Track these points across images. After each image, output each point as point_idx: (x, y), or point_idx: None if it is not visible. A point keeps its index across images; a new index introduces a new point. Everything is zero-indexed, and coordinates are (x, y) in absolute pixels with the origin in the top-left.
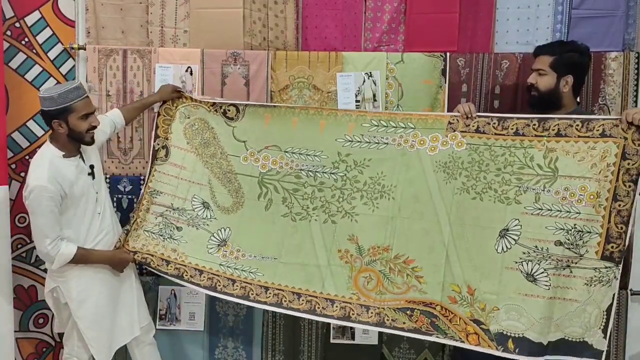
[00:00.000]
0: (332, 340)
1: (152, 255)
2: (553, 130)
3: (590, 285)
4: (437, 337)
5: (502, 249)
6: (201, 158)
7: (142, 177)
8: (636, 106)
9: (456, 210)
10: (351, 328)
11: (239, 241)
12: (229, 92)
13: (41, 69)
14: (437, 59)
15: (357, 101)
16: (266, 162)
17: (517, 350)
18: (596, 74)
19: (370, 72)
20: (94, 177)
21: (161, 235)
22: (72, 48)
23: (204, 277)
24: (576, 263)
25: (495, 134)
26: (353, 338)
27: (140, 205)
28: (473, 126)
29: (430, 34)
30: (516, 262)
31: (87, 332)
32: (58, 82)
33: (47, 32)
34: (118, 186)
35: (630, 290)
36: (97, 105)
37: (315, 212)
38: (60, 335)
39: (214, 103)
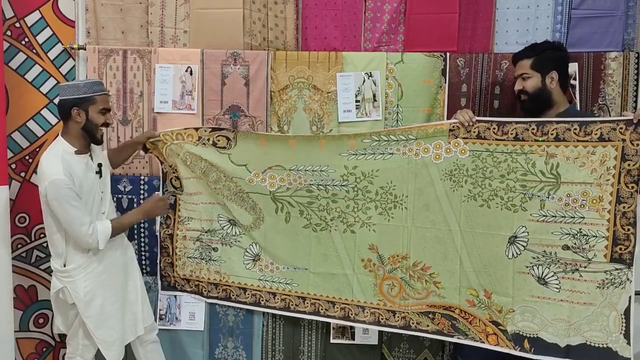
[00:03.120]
0: (332, 340)
1: (201, 282)
2: (552, 134)
3: (603, 287)
4: (458, 338)
5: (513, 254)
6: (208, 185)
7: (142, 177)
8: (636, 106)
9: (465, 217)
10: (351, 328)
11: (270, 254)
12: (229, 92)
13: (41, 69)
14: (437, 59)
15: (357, 101)
16: (273, 181)
17: (532, 350)
18: (596, 74)
19: (370, 72)
20: (101, 176)
21: (203, 259)
22: (72, 48)
23: (248, 294)
24: (585, 267)
25: (496, 139)
26: (353, 338)
27: (175, 236)
28: (474, 132)
29: (430, 34)
30: (527, 267)
31: (97, 331)
32: (58, 82)
33: (47, 32)
34: (118, 186)
35: None
36: None
37: (333, 222)
38: (60, 335)
39: (199, 138)
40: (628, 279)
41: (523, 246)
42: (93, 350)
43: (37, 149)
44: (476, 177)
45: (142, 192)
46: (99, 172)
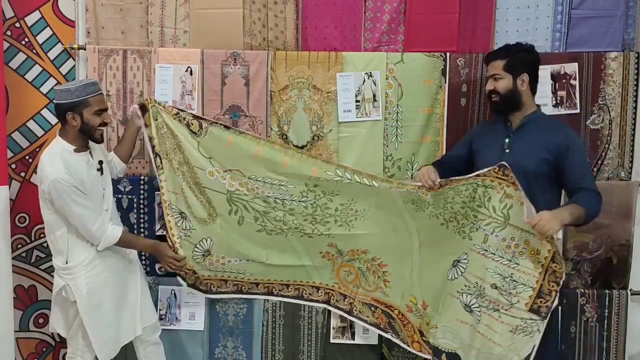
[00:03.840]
0: (332, 340)
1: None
2: (511, 179)
3: (515, 333)
4: (391, 335)
5: (452, 277)
6: (171, 165)
7: (142, 177)
8: (636, 106)
9: (425, 230)
10: (351, 328)
11: (223, 250)
12: (229, 92)
13: (41, 69)
14: (437, 59)
15: (357, 101)
16: (233, 182)
17: None
18: (596, 74)
19: (370, 72)
20: (102, 173)
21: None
22: (72, 48)
23: (199, 284)
24: (506, 310)
25: (457, 179)
26: (353, 338)
27: (168, 223)
28: (437, 187)
29: (430, 34)
30: (458, 292)
31: (92, 329)
32: (58, 82)
33: (47, 32)
34: (118, 186)
35: (630, 290)
36: None
37: (289, 231)
38: (61, 335)
39: (177, 112)
40: (538, 330)
41: (461, 272)
42: (93, 351)
43: (37, 149)
44: (437, 204)
45: (142, 192)
46: (100, 170)
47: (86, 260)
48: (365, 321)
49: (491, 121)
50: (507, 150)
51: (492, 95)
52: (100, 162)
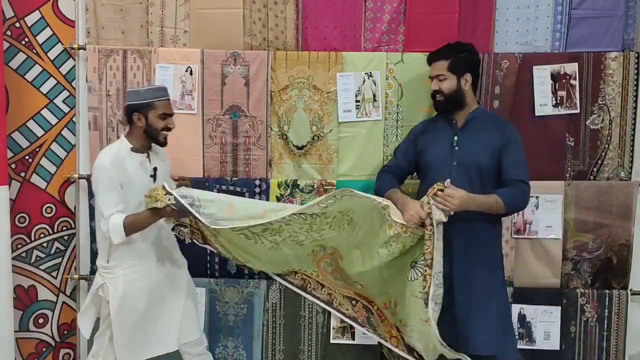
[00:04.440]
0: (332, 340)
1: None
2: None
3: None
4: (367, 330)
5: (411, 278)
6: None
7: None
8: (636, 106)
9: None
10: (351, 328)
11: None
12: (229, 92)
13: (41, 69)
14: None
15: (357, 101)
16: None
17: None
18: (596, 74)
19: (370, 72)
20: (155, 181)
21: None
22: (72, 48)
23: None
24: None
25: None
26: (353, 338)
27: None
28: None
29: (430, 34)
30: (420, 292)
31: (119, 332)
32: (58, 82)
33: (47, 32)
34: None
35: (630, 290)
36: (97, 105)
37: (283, 242)
38: (61, 335)
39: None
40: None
41: (420, 273)
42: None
43: (37, 149)
44: None
45: None
46: (153, 176)
47: (127, 264)
48: (344, 314)
49: (431, 120)
50: (457, 148)
51: (437, 95)
52: (155, 169)
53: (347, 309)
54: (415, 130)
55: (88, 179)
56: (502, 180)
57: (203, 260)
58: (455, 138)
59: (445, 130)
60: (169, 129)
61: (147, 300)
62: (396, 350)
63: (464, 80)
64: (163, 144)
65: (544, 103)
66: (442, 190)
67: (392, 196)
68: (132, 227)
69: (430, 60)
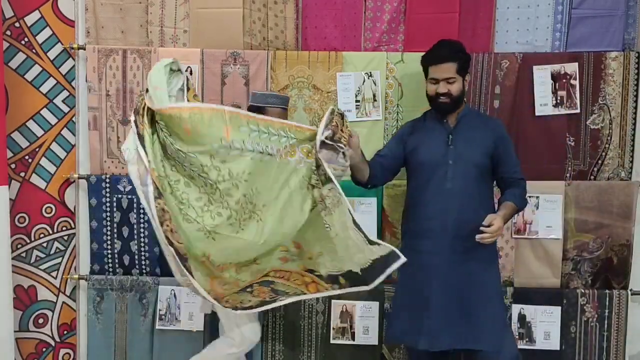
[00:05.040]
0: (332, 341)
1: None
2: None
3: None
4: (281, 300)
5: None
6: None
7: None
8: (636, 106)
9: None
10: (351, 328)
11: None
12: (229, 92)
13: (41, 68)
14: None
15: (357, 101)
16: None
17: (348, 283)
18: (596, 73)
19: (370, 72)
20: None
21: None
22: (72, 48)
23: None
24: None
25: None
26: (353, 338)
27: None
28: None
29: (430, 33)
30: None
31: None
32: (58, 82)
33: (46, 32)
34: (118, 186)
35: (631, 290)
36: (96, 105)
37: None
38: (60, 335)
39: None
40: (340, 195)
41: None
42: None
43: (37, 149)
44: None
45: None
46: None
47: None
48: (251, 307)
49: (418, 120)
50: (452, 147)
51: (442, 97)
52: None
53: (250, 300)
54: (402, 131)
55: (88, 178)
56: (499, 177)
57: None
58: (450, 137)
59: (437, 130)
60: None
61: None
62: (320, 294)
63: (465, 81)
64: None
65: (544, 103)
66: (341, 115)
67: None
68: None
69: (435, 61)
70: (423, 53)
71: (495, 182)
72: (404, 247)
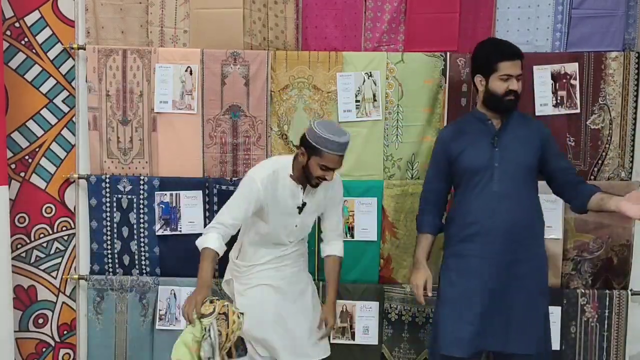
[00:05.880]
0: (332, 341)
1: None
2: None
3: None
4: None
5: None
6: None
7: (142, 177)
8: (636, 106)
9: None
10: (351, 328)
11: None
12: (229, 92)
13: (41, 68)
14: (437, 58)
15: (357, 101)
16: None
17: None
18: (596, 73)
19: (371, 72)
20: (300, 212)
21: None
22: (72, 48)
23: None
24: None
25: None
26: (353, 338)
27: None
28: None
29: (431, 33)
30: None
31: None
32: (58, 82)
33: (46, 32)
34: (118, 186)
35: (631, 290)
36: (96, 105)
37: None
38: (60, 335)
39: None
40: None
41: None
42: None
43: (37, 149)
44: None
45: (142, 192)
46: (299, 209)
47: (249, 269)
48: None
49: (457, 125)
50: (497, 149)
51: (510, 95)
52: (304, 204)
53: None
54: (443, 137)
55: (88, 178)
56: (554, 176)
57: None
58: (496, 138)
59: (481, 132)
60: (324, 179)
61: (260, 314)
62: None
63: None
64: (313, 185)
65: (544, 103)
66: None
67: (417, 247)
68: (201, 256)
69: (511, 57)
70: (423, 53)
71: (548, 182)
72: (449, 252)
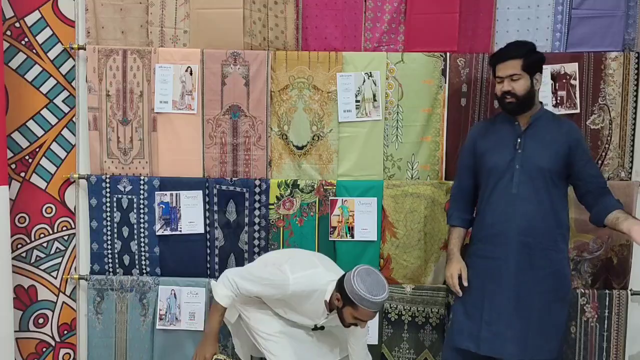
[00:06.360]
0: None
1: None
2: None
3: None
4: None
5: None
6: None
7: (142, 177)
8: (636, 106)
9: None
10: None
11: None
12: (229, 92)
13: (41, 69)
14: (437, 59)
15: (357, 101)
16: None
17: None
18: (596, 74)
19: (371, 72)
20: (314, 329)
21: None
22: (72, 48)
23: None
24: None
25: None
26: None
27: None
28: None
29: (431, 34)
30: None
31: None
32: (58, 82)
33: (47, 32)
34: (118, 186)
35: (631, 290)
36: (97, 105)
37: None
38: (61, 335)
39: None
40: None
41: None
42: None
43: (37, 149)
44: None
45: (142, 192)
46: (314, 327)
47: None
48: None
49: (491, 121)
50: (520, 150)
51: (507, 97)
52: (322, 328)
53: None
54: (473, 133)
55: (88, 178)
56: (580, 186)
57: (203, 260)
58: (519, 140)
59: (507, 133)
60: (355, 325)
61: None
62: None
63: (536, 80)
64: (345, 326)
65: (544, 103)
66: None
67: (449, 240)
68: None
69: (502, 59)
70: (423, 53)
71: (573, 188)
72: (470, 251)
